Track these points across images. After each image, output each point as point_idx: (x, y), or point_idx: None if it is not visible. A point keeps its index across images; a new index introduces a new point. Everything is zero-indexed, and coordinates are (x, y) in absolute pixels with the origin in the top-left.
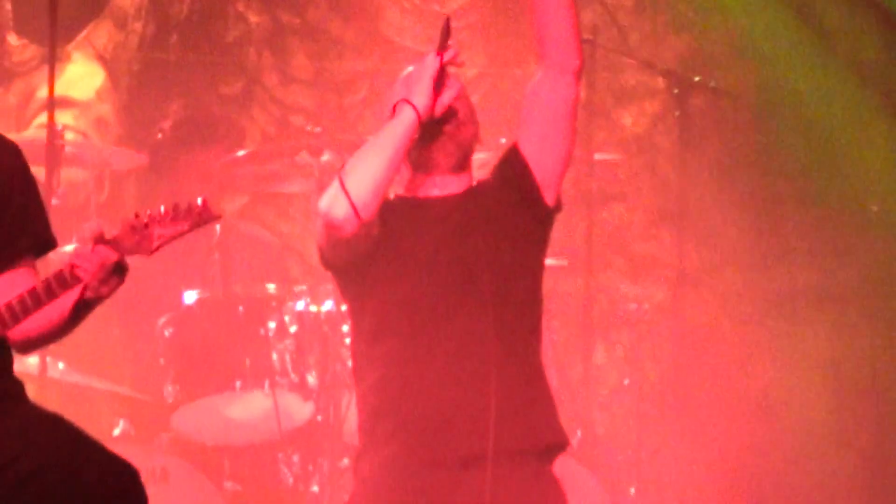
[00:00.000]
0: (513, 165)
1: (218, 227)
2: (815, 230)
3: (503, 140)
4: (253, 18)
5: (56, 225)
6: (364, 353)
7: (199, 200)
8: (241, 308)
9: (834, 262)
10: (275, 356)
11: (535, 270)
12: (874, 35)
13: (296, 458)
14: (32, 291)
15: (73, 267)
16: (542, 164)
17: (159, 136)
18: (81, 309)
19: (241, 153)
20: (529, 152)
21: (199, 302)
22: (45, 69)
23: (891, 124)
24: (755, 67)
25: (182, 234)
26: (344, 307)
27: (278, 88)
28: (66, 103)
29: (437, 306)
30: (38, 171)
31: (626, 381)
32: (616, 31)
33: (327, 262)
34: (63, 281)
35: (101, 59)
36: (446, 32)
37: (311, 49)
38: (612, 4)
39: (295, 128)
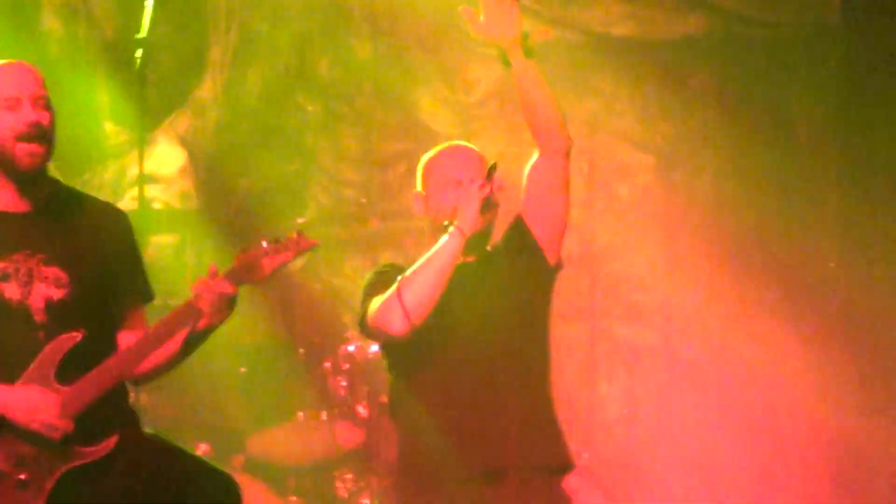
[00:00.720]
0: (519, 233)
1: (283, 282)
2: (783, 281)
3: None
4: (310, 108)
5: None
6: (400, 390)
7: (296, 232)
8: (301, 350)
9: (801, 308)
10: (331, 390)
11: (544, 318)
12: (830, 122)
13: (349, 476)
14: (165, 320)
15: (196, 297)
16: (542, 230)
17: (233, 209)
18: (193, 341)
19: (300, 220)
20: (531, 221)
21: (268, 346)
22: (136, 151)
23: (842, 197)
24: (727, 147)
25: (288, 261)
26: None
27: (331, 166)
28: (154, 179)
29: (464, 351)
30: None
31: (625, 411)
32: (614, 118)
33: (370, 338)
34: (190, 309)
35: (183, 142)
36: (493, 171)
37: (359, 133)
38: (610, 96)
39: (345, 199)
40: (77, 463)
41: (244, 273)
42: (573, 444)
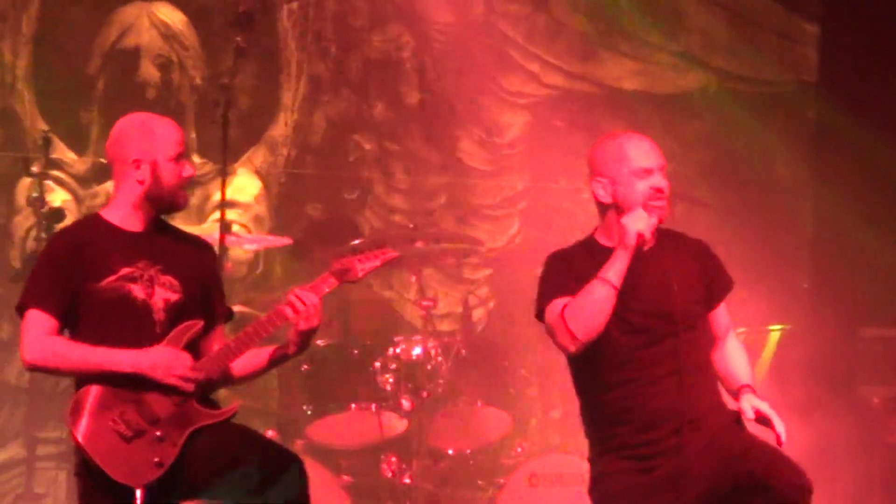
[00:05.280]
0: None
1: (340, 294)
2: (766, 302)
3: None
4: (366, 146)
5: (227, 289)
6: (588, 382)
7: (385, 245)
8: (355, 351)
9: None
10: (379, 386)
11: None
12: (805, 163)
13: (393, 459)
14: (256, 324)
15: (290, 303)
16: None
17: (300, 230)
18: (299, 346)
19: (356, 242)
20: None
21: (327, 346)
22: (219, 180)
23: (815, 225)
24: (718, 183)
25: (375, 269)
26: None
27: (384, 195)
28: (233, 205)
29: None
30: None
31: None
32: None
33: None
34: (280, 315)
35: (258, 173)
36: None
37: (407, 167)
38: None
39: (395, 223)
40: (203, 423)
41: (340, 274)
42: None
